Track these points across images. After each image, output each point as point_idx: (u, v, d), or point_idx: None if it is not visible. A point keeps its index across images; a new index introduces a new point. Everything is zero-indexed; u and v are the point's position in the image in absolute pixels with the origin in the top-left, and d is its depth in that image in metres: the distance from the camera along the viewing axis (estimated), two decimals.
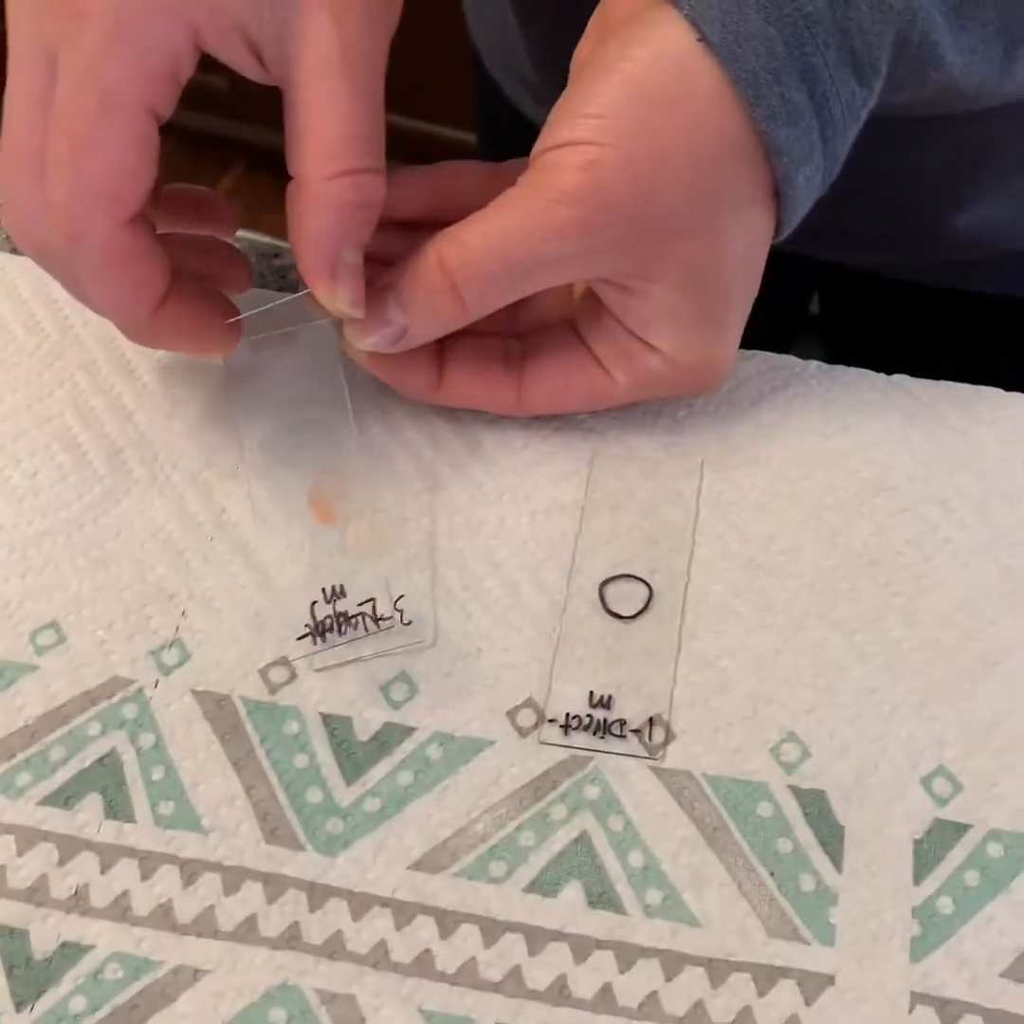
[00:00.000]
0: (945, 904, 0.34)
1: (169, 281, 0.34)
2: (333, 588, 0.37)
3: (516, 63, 0.63)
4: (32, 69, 0.32)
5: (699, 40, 0.34)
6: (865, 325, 0.71)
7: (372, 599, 0.37)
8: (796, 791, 0.35)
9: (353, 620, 0.37)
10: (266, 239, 0.47)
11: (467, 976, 0.33)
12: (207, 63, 0.33)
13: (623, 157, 0.34)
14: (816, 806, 0.35)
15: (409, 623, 0.37)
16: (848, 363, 0.44)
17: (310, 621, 0.36)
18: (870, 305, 0.69)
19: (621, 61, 0.34)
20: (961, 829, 0.35)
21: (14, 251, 0.46)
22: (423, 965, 0.33)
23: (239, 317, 0.37)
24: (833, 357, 0.45)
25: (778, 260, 0.60)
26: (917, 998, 0.32)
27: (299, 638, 0.37)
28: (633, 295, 0.37)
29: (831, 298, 0.75)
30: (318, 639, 0.37)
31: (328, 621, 0.36)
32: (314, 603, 0.37)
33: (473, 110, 0.76)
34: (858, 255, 0.62)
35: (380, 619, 0.37)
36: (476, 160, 0.41)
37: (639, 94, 0.34)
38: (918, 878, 0.34)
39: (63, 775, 0.36)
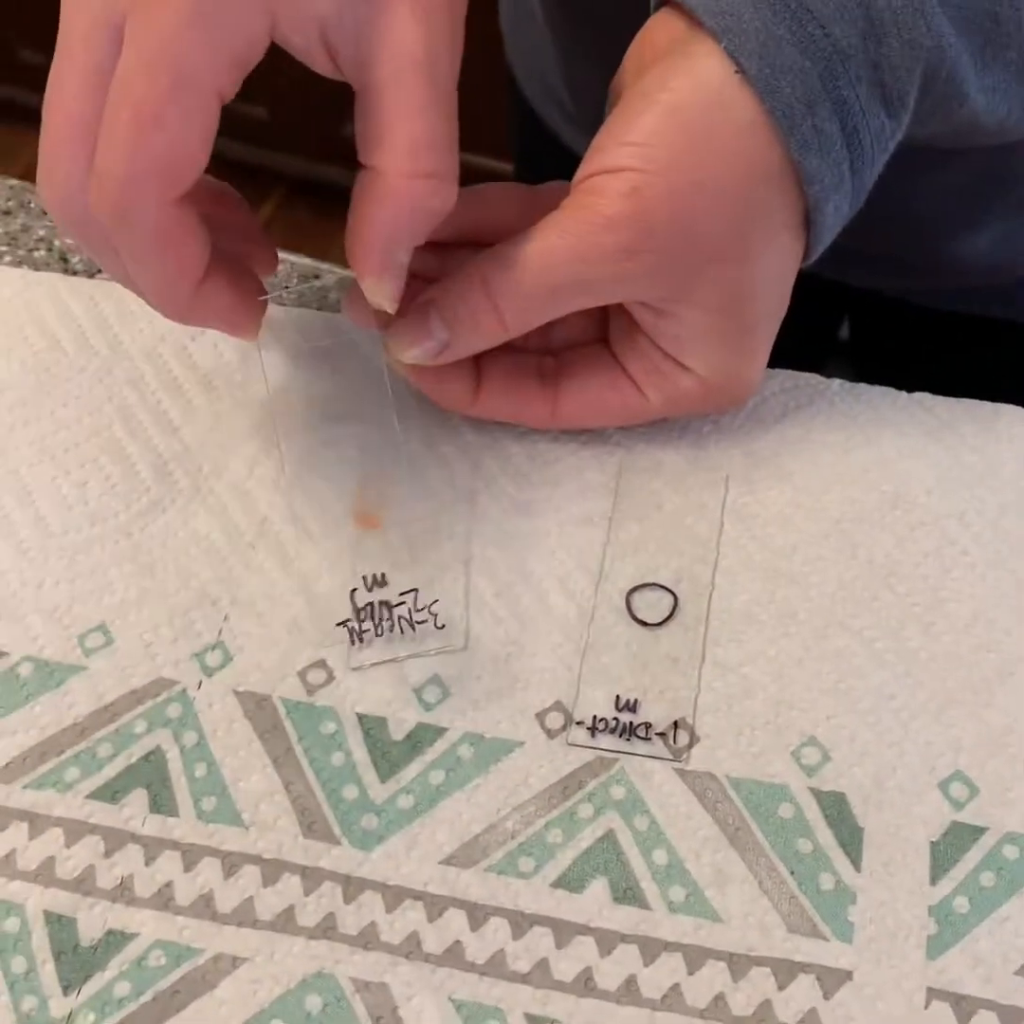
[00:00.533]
0: (961, 904, 0.35)
1: (209, 260, 0.34)
2: (374, 576, 0.38)
3: (553, 88, 0.65)
4: (92, 39, 0.32)
5: (737, 72, 0.35)
6: (893, 349, 0.72)
7: (414, 590, 0.38)
8: (816, 793, 0.36)
9: (393, 612, 0.38)
10: (308, 261, 0.49)
11: (496, 967, 0.34)
12: (245, 93, 0.34)
13: (664, 184, 0.35)
14: (836, 808, 0.36)
15: (442, 627, 0.39)
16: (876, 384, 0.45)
17: (351, 607, 0.38)
18: (898, 330, 0.70)
19: (662, 91, 0.36)
20: (977, 832, 0.36)
21: (66, 271, 0.48)
22: (454, 956, 0.34)
23: (268, 297, 0.38)
24: (862, 380, 0.46)
25: (808, 285, 0.62)
26: (933, 994, 0.33)
27: (339, 624, 0.38)
28: (667, 317, 0.39)
29: (860, 323, 0.76)
30: (357, 634, 0.38)
31: (369, 608, 0.38)
32: (354, 590, 0.38)
33: (508, 137, 0.77)
34: (883, 280, 0.63)
35: (417, 623, 0.39)
36: (512, 183, 0.42)
37: (679, 123, 0.35)
38: (935, 878, 0.35)
39: (110, 771, 0.37)
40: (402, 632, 0.39)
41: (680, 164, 0.35)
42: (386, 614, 0.38)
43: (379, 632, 0.39)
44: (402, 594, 0.38)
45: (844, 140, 0.36)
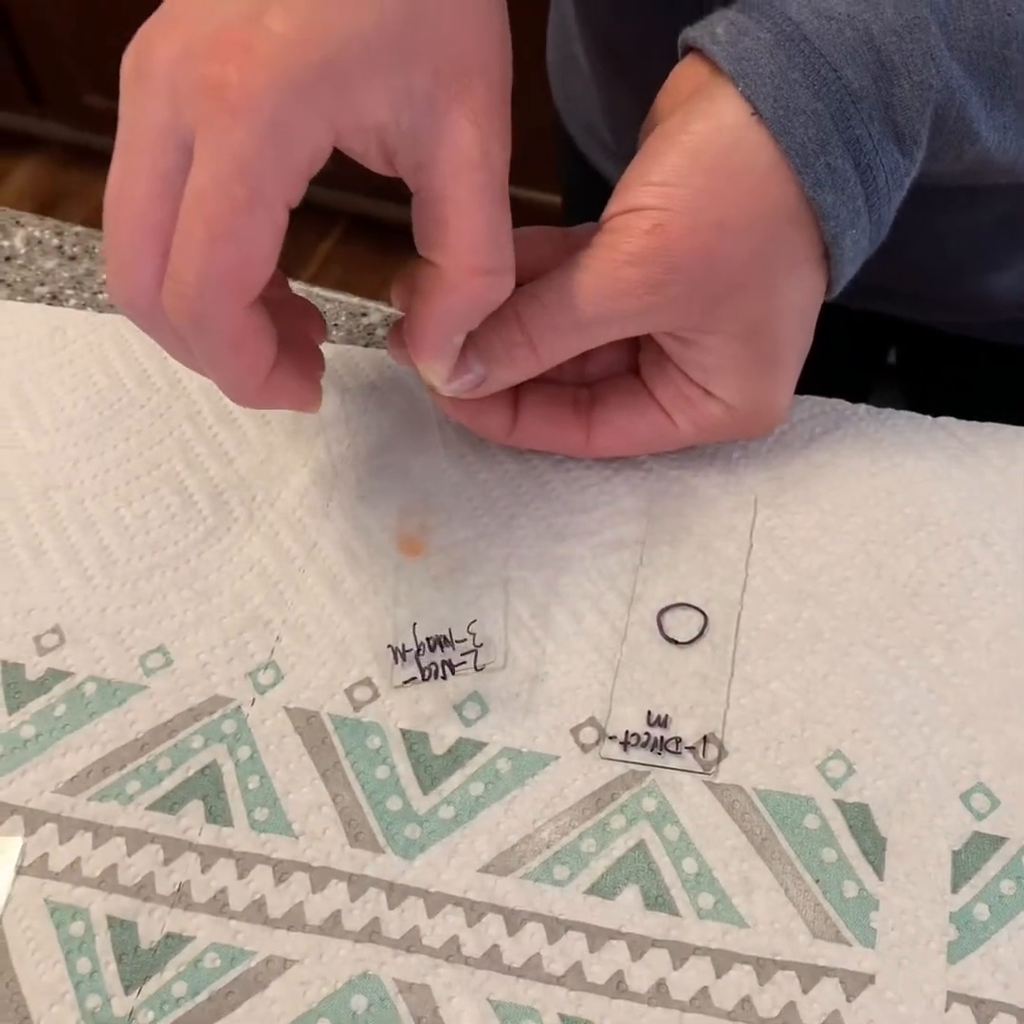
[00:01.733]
0: (981, 911, 0.36)
1: (276, 353, 0.36)
2: (440, 636, 0.41)
3: (596, 128, 0.67)
4: (161, 148, 0.33)
5: (753, 114, 0.37)
6: (939, 375, 0.73)
7: (475, 649, 0.41)
8: (841, 805, 0.38)
9: (444, 665, 0.40)
10: (356, 299, 0.51)
11: (532, 970, 0.36)
12: None
13: (685, 221, 0.37)
14: (860, 819, 0.37)
15: (481, 646, 0.41)
16: (923, 411, 0.46)
17: (416, 669, 0.40)
18: (941, 356, 0.71)
19: (683, 133, 0.38)
20: (998, 842, 0.37)
21: None
22: (492, 959, 0.36)
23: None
24: (910, 404, 0.47)
25: (852, 316, 0.63)
26: (953, 998, 0.34)
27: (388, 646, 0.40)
28: (693, 347, 0.41)
29: (906, 350, 0.78)
30: (400, 653, 0.40)
31: (433, 668, 0.40)
32: (420, 651, 0.40)
33: (557, 173, 0.80)
34: (920, 312, 0.65)
35: (457, 641, 0.40)
36: (548, 225, 0.44)
37: (700, 164, 0.37)
38: (956, 886, 0.36)
39: (169, 784, 0.39)
40: (443, 652, 0.41)
41: (701, 203, 0.37)
42: (439, 661, 0.40)
43: (421, 653, 0.41)
44: (464, 653, 0.40)
45: (858, 177, 0.37)
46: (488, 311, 0.37)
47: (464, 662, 0.40)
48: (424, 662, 0.40)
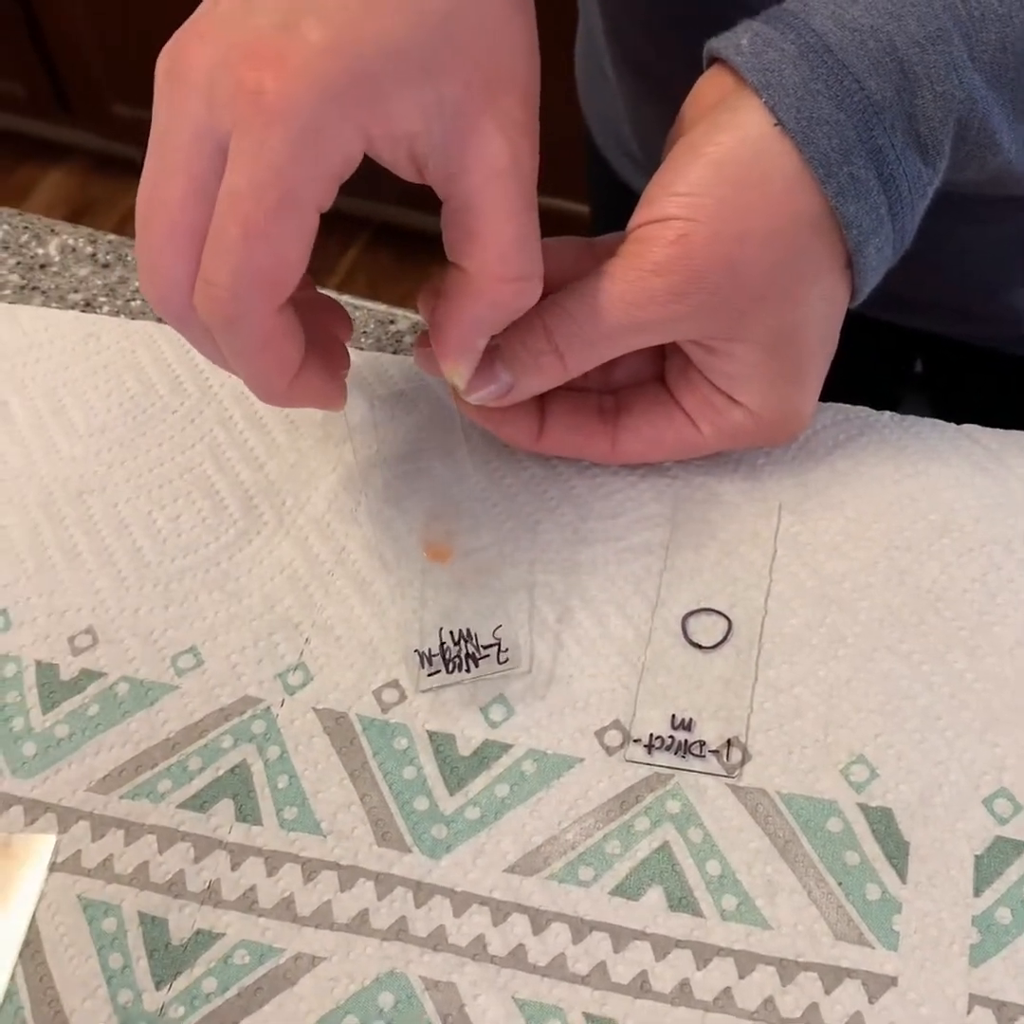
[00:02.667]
0: (1004, 914, 0.36)
1: (303, 353, 0.37)
2: (462, 631, 0.41)
3: (623, 139, 0.68)
4: (195, 152, 0.34)
5: (776, 124, 0.37)
6: (965, 385, 0.73)
7: (496, 644, 0.41)
8: (864, 809, 0.38)
9: (467, 658, 0.41)
10: (383, 307, 0.52)
11: (557, 969, 0.36)
12: None
13: (709, 231, 0.38)
14: (883, 823, 0.38)
15: (506, 651, 0.41)
16: (949, 420, 0.46)
17: (441, 663, 0.41)
18: (967, 367, 0.71)
19: (707, 145, 0.38)
20: (1020, 846, 0.37)
21: (161, 319, 0.52)
22: (517, 958, 0.36)
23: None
24: (937, 414, 0.47)
25: (879, 327, 0.64)
26: (975, 1000, 0.35)
27: (427, 663, 0.41)
28: (718, 354, 0.41)
29: (932, 361, 0.78)
30: (427, 658, 0.41)
31: (456, 659, 0.41)
32: (442, 645, 0.41)
33: (586, 184, 0.80)
34: (944, 324, 0.65)
35: (483, 645, 0.41)
36: (575, 235, 0.45)
37: (723, 174, 0.38)
38: (978, 890, 0.36)
39: (199, 783, 0.40)
40: (470, 655, 0.41)
41: (725, 213, 0.38)
42: (463, 653, 0.41)
43: (448, 657, 0.41)
44: (486, 648, 0.41)
45: (881, 186, 0.38)
46: (515, 317, 0.38)
47: (487, 656, 0.41)
48: (448, 655, 0.41)
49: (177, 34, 0.35)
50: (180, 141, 0.34)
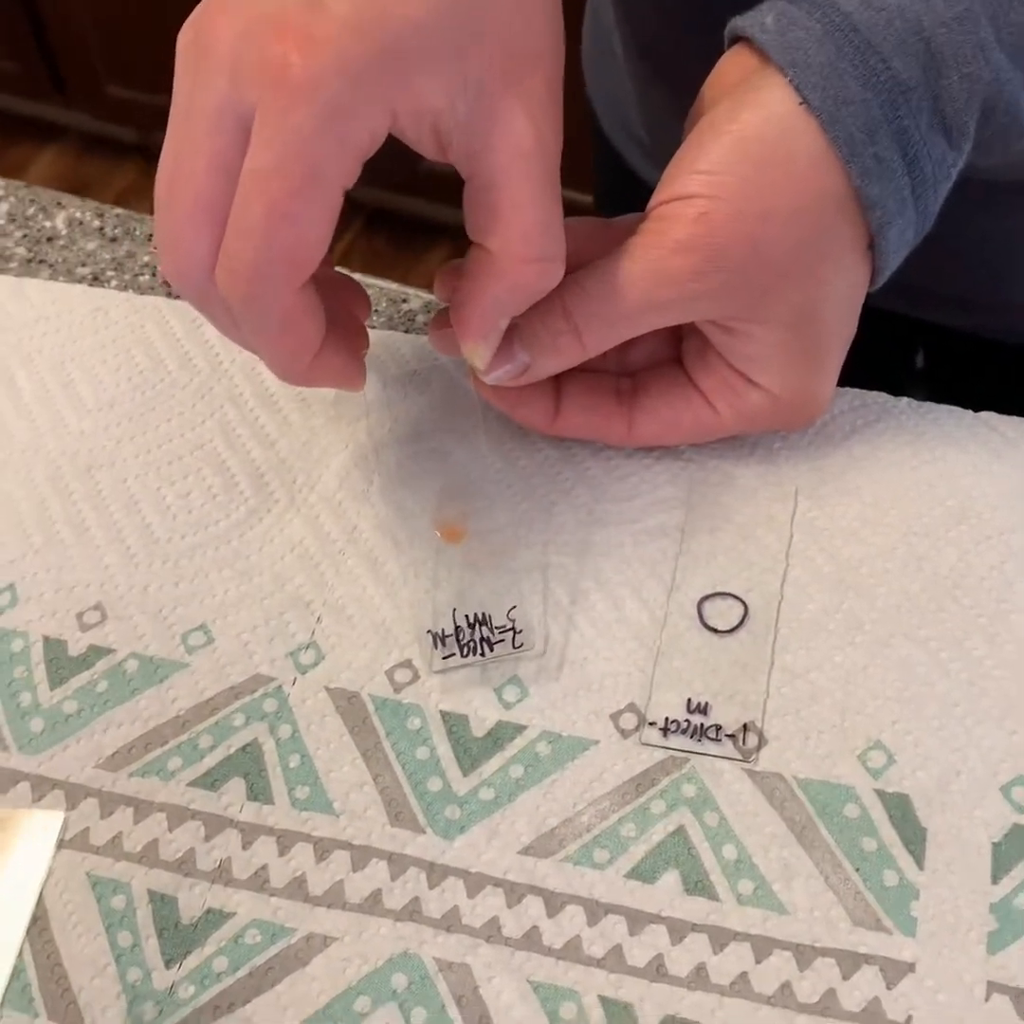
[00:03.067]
0: (1022, 902, 0.36)
1: (324, 333, 0.36)
2: (478, 615, 0.41)
3: (631, 124, 0.68)
4: (218, 126, 0.33)
5: (801, 103, 0.37)
6: (966, 378, 0.73)
7: (512, 629, 0.41)
8: (881, 795, 0.38)
9: (482, 641, 0.40)
10: (395, 286, 0.52)
11: (572, 952, 0.36)
12: None
13: (732, 210, 0.37)
14: (900, 809, 0.38)
15: (520, 632, 0.41)
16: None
17: (455, 646, 0.40)
18: (970, 360, 0.71)
19: (730, 123, 0.38)
20: None
21: (169, 294, 0.51)
22: (532, 940, 0.36)
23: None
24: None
25: (884, 318, 0.63)
26: (993, 987, 0.34)
27: (441, 642, 0.41)
28: (737, 335, 0.41)
29: (935, 354, 0.78)
30: (440, 638, 0.40)
31: (470, 644, 0.40)
32: (458, 629, 0.40)
33: (591, 172, 0.80)
34: (953, 316, 0.64)
35: (497, 628, 0.41)
36: (585, 217, 0.45)
37: (746, 153, 0.37)
38: (996, 877, 0.36)
39: (210, 761, 0.40)
40: (483, 637, 0.41)
41: (748, 191, 0.37)
42: (478, 653, 0.41)
43: (461, 637, 0.41)
44: (501, 631, 0.41)
45: (905, 168, 0.37)
46: (537, 298, 0.37)
47: (502, 640, 0.40)
48: (463, 639, 0.40)
49: (200, 7, 0.35)
50: (203, 116, 0.34)
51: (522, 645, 0.41)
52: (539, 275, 0.36)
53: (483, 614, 0.41)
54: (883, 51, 0.36)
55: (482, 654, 0.41)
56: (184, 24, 0.35)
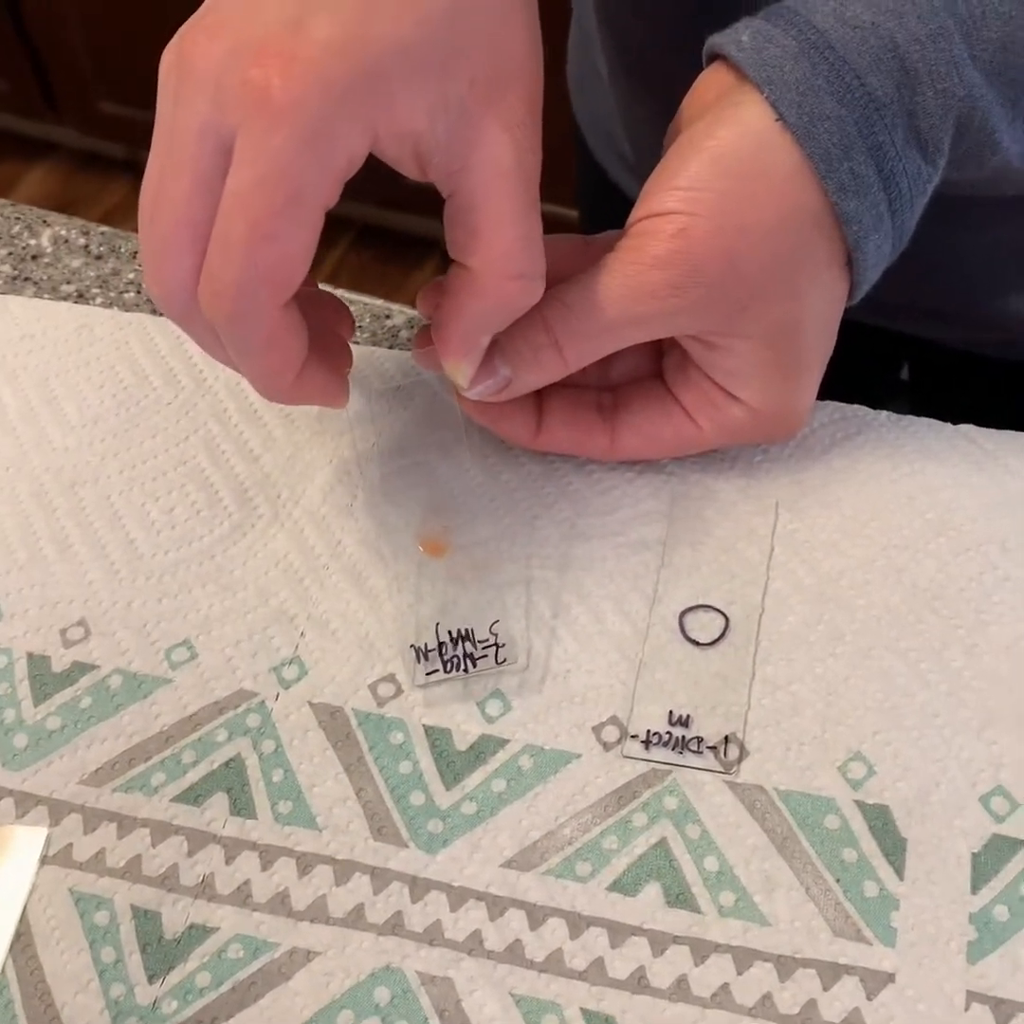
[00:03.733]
0: (1001, 912, 0.36)
1: (307, 350, 0.36)
2: (461, 630, 0.41)
3: (616, 140, 0.68)
4: (201, 148, 0.33)
5: (777, 120, 0.37)
6: (950, 392, 0.73)
7: (496, 645, 0.41)
8: (862, 806, 0.38)
9: (465, 657, 0.41)
10: (379, 302, 0.52)
11: (554, 965, 0.36)
12: None
13: (709, 225, 0.38)
14: (880, 820, 0.38)
15: (503, 646, 0.41)
16: None
17: (438, 661, 0.41)
18: (954, 374, 0.72)
19: (707, 139, 0.38)
20: (1017, 844, 0.37)
21: (154, 312, 0.52)
22: (514, 953, 0.36)
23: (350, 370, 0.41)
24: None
25: (867, 332, 0.64)
26: (972, 997, 0.35)
27: (424, 655, 0.41)
28: (717, 349, 0.41)
29: (918, 368, 0.78)
30: (423, 653, 0.40)
31: (453, 659, 0.41)
32: (442, 644, 0.41)
33: (575, 188, 0.80)
34: (934, 330, 0.65)
35: (479, 643, 0.41)
36: (570, 233, 0.45)
37: (723, 169, 0.38)
38: (975, 887, 0.36)
39: (193, 776, 0.40)
40: (466, 651, 0.41)
41: (725, 207, 0.38)
42: (462, 653, 0.41)
43: (444, 652, 0.41)
44: (484, 645, 0.41)
45: (881, 183, 0.38)
46: (518, 315, 0.38)
47: (485, 656, 0.41)
48: (446, 655, 0.41)
49: (183, 29, 0.35)
50: (186, 137, 0.34)
51: (505, 660, 0.41)
52: (521, 292, 0.37)
53: (466, 630, 0.41)
54: (858, 68, 0.37)
55: (465, 671, 0.41)
56: (167, 46, 0.35)
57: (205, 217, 0.34)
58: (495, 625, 0.41)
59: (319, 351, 0.37)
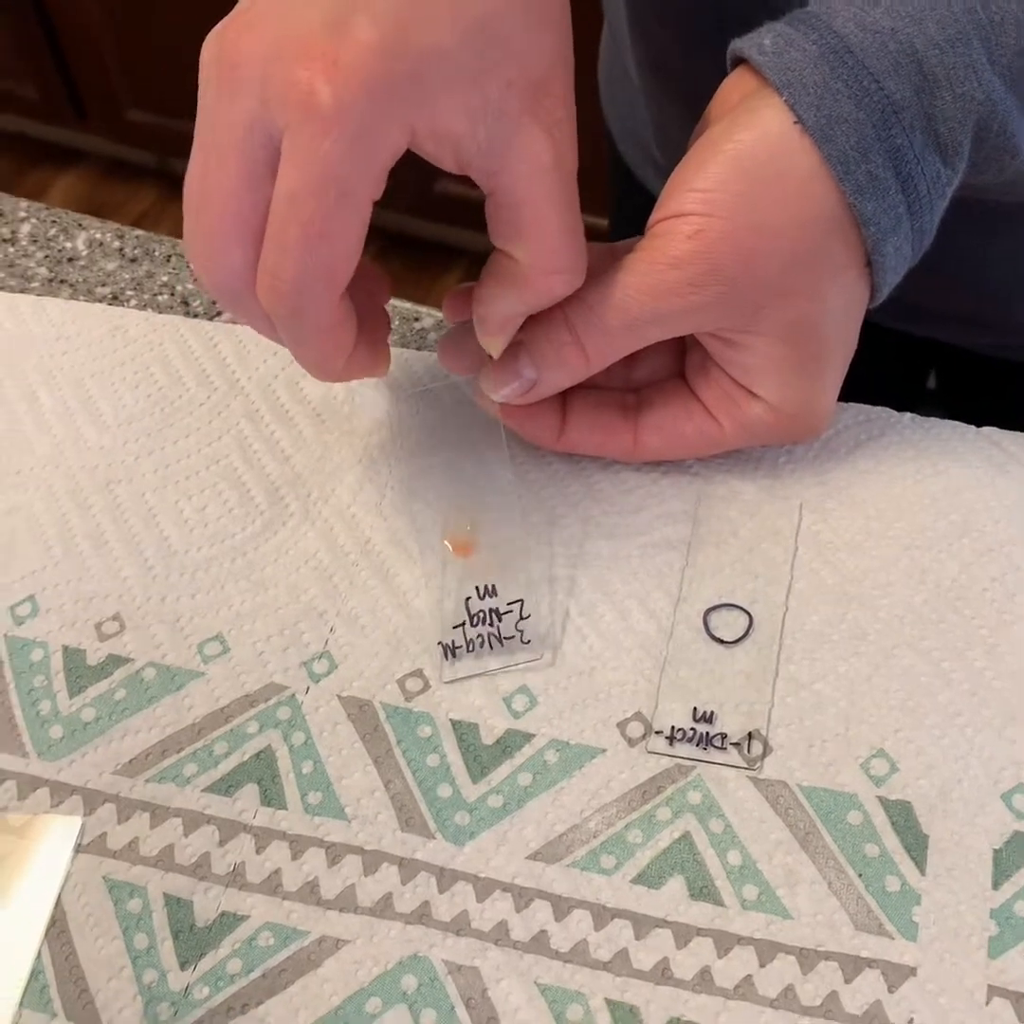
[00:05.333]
0: (1022, 908, 0.36)
1: (356, 334, 0.38)
2: (487, 587, 0.42)
3: (645, 144, 0.69)
4: (248, 144, 0.35)
5: (796, 122, 0.38)
6: (978, 399, 0.74)
7: (520, 600, 0.42)
8: (884, 802, 0.38)
9: (487, 630, 0.41)
10: (408, 305, 0.53)
11: (579, 955, 0.36)
12: None
13: (726, 226, 0.38)
14: (902, 816, 0.38)
15: (528, 642, 0.42)
16: None
17: (465, 613, 0.42)
18: (981, 380, 0.72)
19: (726, 142, 0.39)
20: None
21: (187, 314, 0.52)
22: (539, 944, 0.37)
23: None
24: None
25: (895, 339, 0.64)
26: (993, 991, 0.35)
27: (455, 627, 0.42)
28: (737, 347, 0.42)
29: (946, 374, 0.78)
30: (450, 649, 0.41)
31: (480, 614, 0.42)
32: (468, 598, 0.42)
33: (607, 194, 0.81)
34: (961, 335, 0.65)
35: (505, 639, 0.42)
36: (595, 242, 0.46)
37: (741, 171, 0.38)
38: (996, 883, 0.37)
39: (225, 767, 0.40)
40: (492, 648, 0.42)
41: (742, 207, 0.38)
42: (487, 623, 0.41)
43: (471, 649, 0.42)
44: (510, 603, 0.42)
45: (899, 186, 0.38)
46: (557, 300, 0.39)
47: (512, 637, 0.42)
48: (471, 635, 0.41)
49: (224, 22, 0.36)
50: (234, 133, 0.35)
51: (530, 642, 0.42)
52: (562, 284, 0.39)
53: (492, 586, 0.42)
54: (876, 72, 0.37)
55: (490, 648, 0.41)
56: (207, 37, 0.36)
57: (254, 210, 0.35)
58: (521, 622, 0.42)
59: (364, 328, 0.39)
